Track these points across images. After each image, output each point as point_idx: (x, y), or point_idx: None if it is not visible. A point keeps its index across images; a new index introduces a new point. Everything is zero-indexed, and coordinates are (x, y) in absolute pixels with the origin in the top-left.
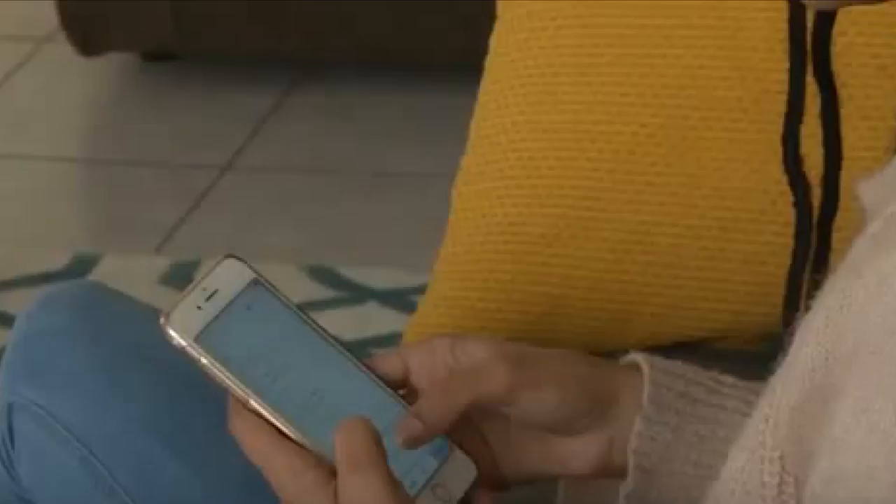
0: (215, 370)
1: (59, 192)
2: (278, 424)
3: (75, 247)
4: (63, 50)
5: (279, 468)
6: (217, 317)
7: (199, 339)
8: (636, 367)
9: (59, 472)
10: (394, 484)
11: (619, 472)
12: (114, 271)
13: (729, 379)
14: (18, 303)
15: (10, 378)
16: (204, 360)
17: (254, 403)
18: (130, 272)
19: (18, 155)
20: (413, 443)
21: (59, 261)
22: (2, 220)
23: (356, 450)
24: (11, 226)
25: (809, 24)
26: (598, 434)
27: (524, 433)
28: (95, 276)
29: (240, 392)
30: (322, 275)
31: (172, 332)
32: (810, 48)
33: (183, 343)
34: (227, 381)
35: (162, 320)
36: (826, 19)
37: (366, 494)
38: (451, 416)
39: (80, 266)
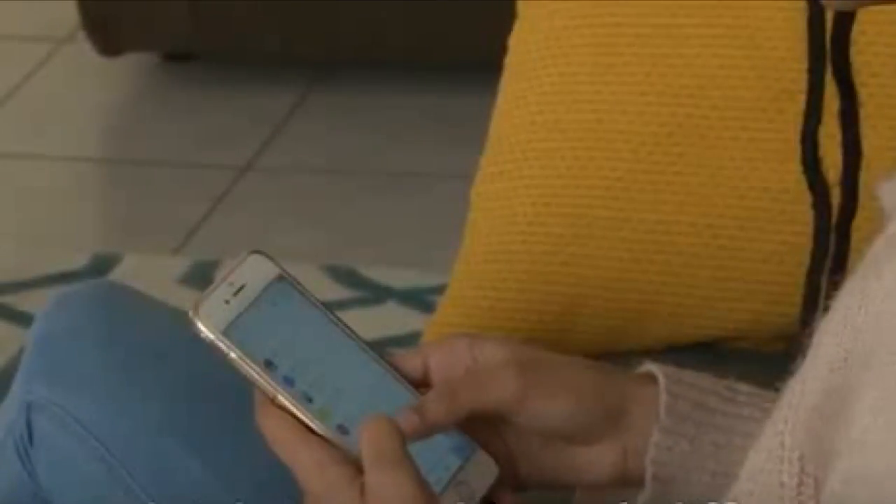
0: (243, 364)
1: (79, 192)
2: (305, 420)
3: (94, 247)
4: (83, 50)
5: (305, 463)
6: (244, 312)
7: (227, 333)
8: (650, 377)
9: (77, 470)
10: (422, 480)
11: (635, 482)
12: (133, 271)
13: (744, 387)
14: (38, 303)
15: (28, 377)
16: (233, 354)
17: (281, 398)
18: (149, 272)
19: (38, 155)
20: (409, 436)
21: (78, 261)
22: (21, 219)
23: (384, 446)
24: (31, 226)
25: (829, 24)
26: (611, 444)
27: (539, 441)
28: (114, 276)
29: (268, 387)
30: (341, 275)
31: (201, 326)
32: (829, 48)
33: (212, 336)
34: (254, 375)
35: (190, 313)
36: (845, 19)
37: (394, 491)
38: (452, 418)
39: (100, 266)
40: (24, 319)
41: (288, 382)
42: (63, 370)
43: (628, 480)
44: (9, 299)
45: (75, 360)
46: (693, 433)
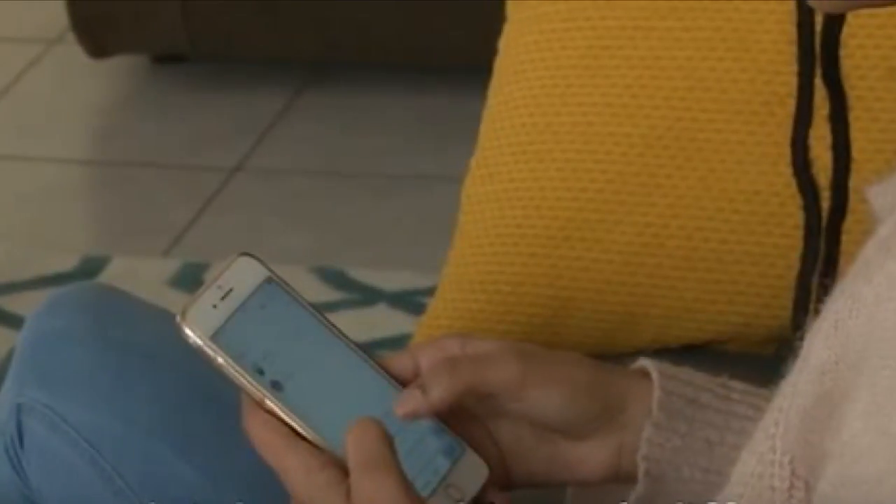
0: (231, 369)
1: (69, 193)
2: (293, 424)
3: (84, 249)
4: (73, 52)
5: (292, 467)
6: (232, 316)
7: (214, 338)
8: (645, 374)
9: (68, 472)
10: (407, 485)
11: (628, 479)
12: (122, 273)
13: (738, 385)
14: (27, 304)
15: (18, 379)
16: (220, 360)
17: (269, 403)
18: (139, 274)
19: (28, 156)
20: (411, 415)
21: (67, 263)
22: (10, 221)
23: (369, 450)
24: (20, 227)
25: (818, 26)
26: (606, 439)
27: (533, 436)
28: (104, 277)
29: (255, 391)
30: (331, 277)
31: (188, 331)
32: (819, 51)
33: (199, 342)
34: (242, 380)
35: (178, 318)
36: (834, 22)
37: (379, 495)
38: (453, 395)
39: (89, 268)
40: (12, 321)
41: (276, 387)
42: (54, 372)
43: (622, 477)
44: None
45: (66, 363)
46: (685, 429)
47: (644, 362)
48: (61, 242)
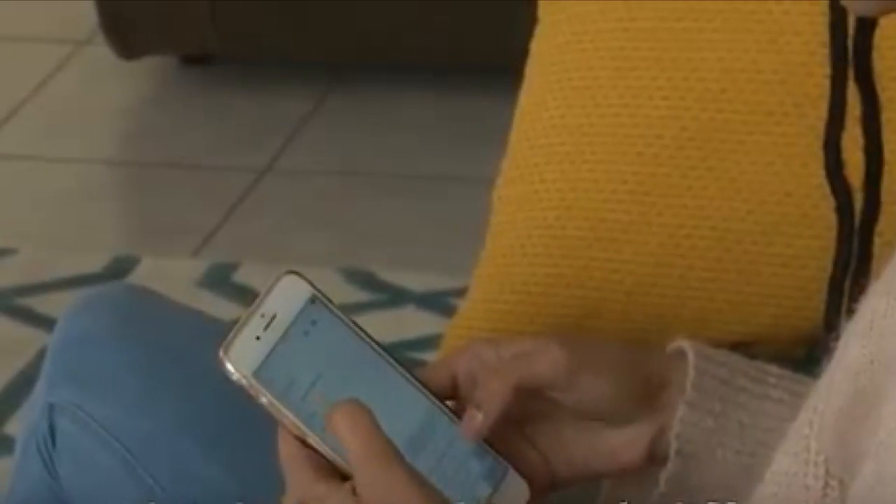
0: (274, 408)
1: (97, 194)
2: (336, 460)
3: (113, 249)
4: (102, 53)
5: (296, 471)
6: (275, 347)
7: (257, 375)
8: (683, 354)
9: (100, 472)
10: (414, 472)
11: (664, 460)
12: (151, 274)
13: (775, 369)
14: (56, 305)
15: (50, 379)
16: (263, 399)
17: (311, 441)
18: (168, 275)
19: (57, 157)
20: (477, 435)
21: (96, 263)
22: (40, 222)
23: (368, 439)
24: (49, 228)
25: (851, 28)
26: (647, 422)
27: (573, 429)
28: (133, 278)
29: (297, 429)
30: (359, 278)
31: (231, 368)
32: (851, 53)
33: (243, 382)
34: (285, 419)
35: (220, 353)
36: (867, 24)
37: (388, 482)
38: (505, 398)
39: (118, 268)
40: (42, 321)
41: (318, 417)
42: (85, 373)
43: (659, 460)
44: (28, 301)
45: (98, 363)
46: (719, 410)
47: (681, 343)
48: (90, 243)
